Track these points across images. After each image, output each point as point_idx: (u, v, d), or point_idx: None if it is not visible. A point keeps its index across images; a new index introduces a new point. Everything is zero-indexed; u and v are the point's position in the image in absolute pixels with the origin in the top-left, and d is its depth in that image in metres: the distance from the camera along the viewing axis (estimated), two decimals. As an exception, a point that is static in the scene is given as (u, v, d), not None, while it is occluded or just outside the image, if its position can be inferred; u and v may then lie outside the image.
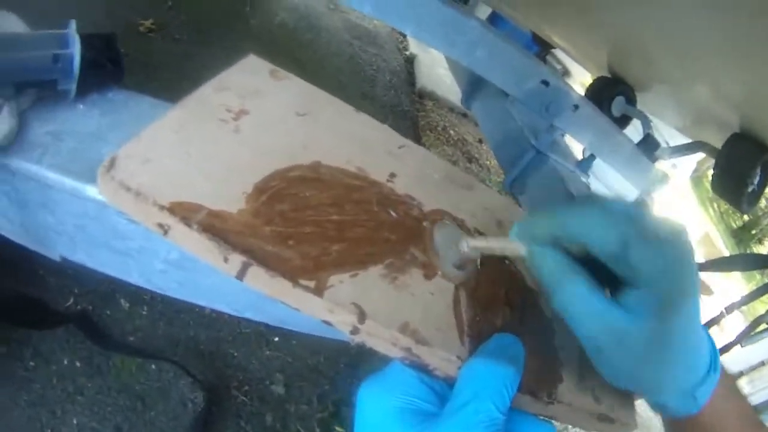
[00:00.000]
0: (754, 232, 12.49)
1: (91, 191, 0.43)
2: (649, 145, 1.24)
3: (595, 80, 1.53)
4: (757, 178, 1.20)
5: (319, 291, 0.30)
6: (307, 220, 0.33)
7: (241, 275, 0.30)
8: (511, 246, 0.35)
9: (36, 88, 0.48)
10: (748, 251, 11.35)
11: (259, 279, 0.30)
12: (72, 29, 0.48)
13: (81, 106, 0.50)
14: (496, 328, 0.36)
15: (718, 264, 1.26)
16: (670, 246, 0.32)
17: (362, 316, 0.31)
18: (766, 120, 1.02)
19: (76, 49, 0.47)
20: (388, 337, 0.31)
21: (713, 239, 5.38)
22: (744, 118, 1.07)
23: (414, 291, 0.34)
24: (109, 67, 0.52)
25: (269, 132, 0.38)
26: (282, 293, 0.30)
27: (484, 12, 1.97)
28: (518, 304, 0.39)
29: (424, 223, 0.39)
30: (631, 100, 1.52)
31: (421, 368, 0.32)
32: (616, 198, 0.34)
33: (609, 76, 1.49)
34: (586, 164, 1.18)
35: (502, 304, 0.38)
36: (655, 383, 0.35)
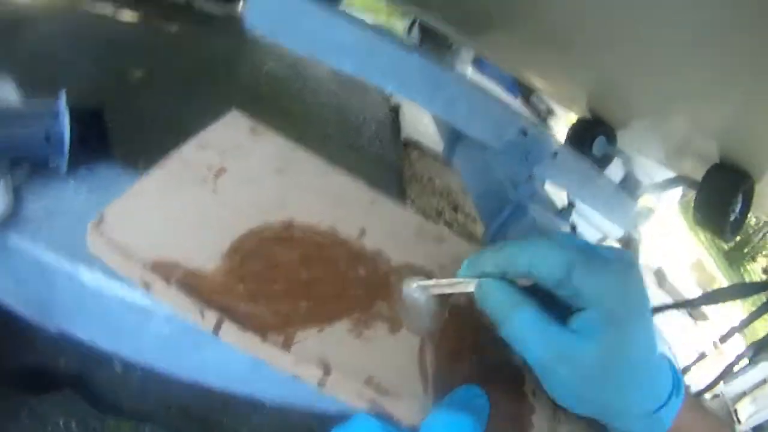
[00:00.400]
0: (746, 250, 12.54)
1: (86, 274, 0.44)
2: (630, 184, 1.27)
3: (575, 122, 1.58)
4: (739, 206, 1.23)
5: (286, 346, 0.32)
6: (277, 278, 0.35)
7: (216, 330, 0.32)
8: (461, 284, 0.36)
9: (29, 163, 0.50)
10: (742, 270, 11.38)
11: (232, 334, 0.32)
12: (62, 104, 0.50)
13: (72, 182, 0.52)
14: (462, 379, 0.36)
15: (712, 297, 1.27)
16: (612, 266, 0.34)
17: (327, 369, 0.32)
18: (745, 149, 1.06)
19: (66, 128, 0.49)
20: (353, 390, 0.32)
21: (705, 264, 5.42)
22: (723, 149, 1.10)
23: (379, 344, 0.35)
24: (98, 142, 0.54)
25: (246, 190, 0.40)
26: (253, 348, 0.32)
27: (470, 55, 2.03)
28: (486, 353, 0.39)
29: (392, 278, 0.40)
30: (611, 140, 1.57)
31: (386, 419, 0.33)
32: (562, 232, 0.35)
33: (590, 117, 1.54)
34: (566, 213, 1.21)
35: (470, 354, 0.38)
36: (615, 407, 0.35)
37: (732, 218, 1.23)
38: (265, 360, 0.32)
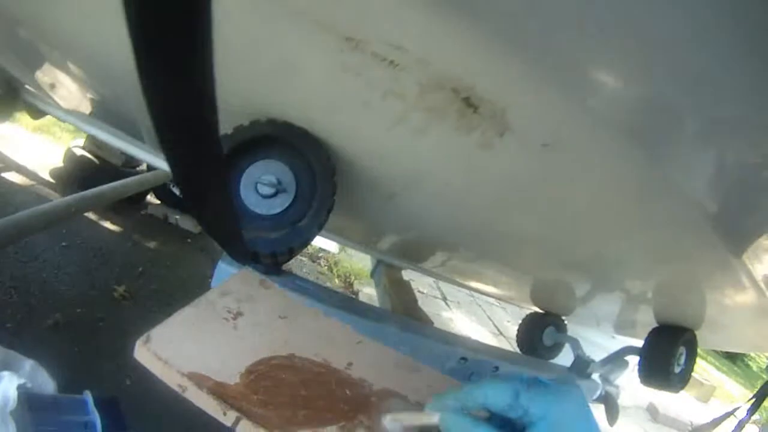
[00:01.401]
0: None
1: None
2: (580, 365, 1.36)
3: (525, 317, 1.73)
4: (684, 357, 1.30)
5: None
6: (282, 393, 0.44)
7: (234, 426, 0.40)
8: (427, 416, 0.43)
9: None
10: (747, 360, 11.05)
11: (246, 429, 0.40)
12: (90, 401, 0.64)
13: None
14: None
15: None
16: (552, 387, 0.40)
17: None
18: (677, 310, 1.17)
19: (97, 418, 0.63)
20: None
21: (702, 376, 5.35)
22: (658, 314, 1.21)
23: None
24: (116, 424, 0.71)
25: (259, 330, 0.51)
26: None
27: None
28: None
29: (372, 399, 0.48)
30: (560, 328, 1.70)
31: None
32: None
33: (539, 310, 1.68)
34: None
35: None
36: None
37: (677, 371, 1.28)
38: None
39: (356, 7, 0.38)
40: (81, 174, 2.33)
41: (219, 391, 0.42)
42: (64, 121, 1.80)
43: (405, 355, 0.57)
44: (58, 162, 2.47)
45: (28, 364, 0.73)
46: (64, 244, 1.98)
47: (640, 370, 1.23)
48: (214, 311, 0.51)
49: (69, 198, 1.45)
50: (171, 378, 0.42)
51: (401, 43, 0.39)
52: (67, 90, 1.21)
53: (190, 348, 0.45)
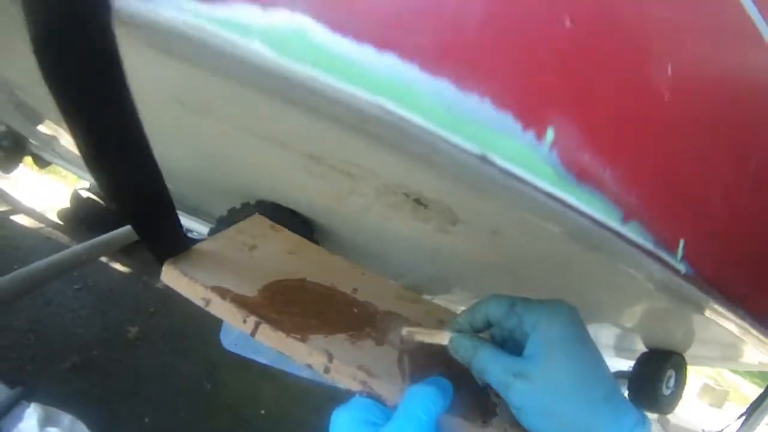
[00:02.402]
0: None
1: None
2: None
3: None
4: (673, 380, 1.34)
5: (303, 340, 0.44)
6: (296, 307, 0.49)
7: (254, 332, 0.44)
8: (440, 335, 0.47)
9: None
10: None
11: (265, 334, 0.44)
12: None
13: None
14: (431, 375, 0.44)
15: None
16: (546, 301, 0.43)
17: (330, 358, 0.44)
18: (662, 336, 1.20)
19: None
20: (350, 374, 0.43)
21: (714, 382, 5.26)
22: (645, 340, 1.26)
23: (368, 350, 0.47)
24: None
25: (271, 259, 0.55)
26: (279, 342, 0.44)
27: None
28: (453, 367, 0.47)
29: (378, 317, 0.53)
30: None
31: (375, 398, 0.43)
32: None
33: None
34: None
35: (440, 366, 0.48)
36: (573, 420, 0.39)
37: (667, 393, 1.32)
38: (285, 352, 0.44)
39: (307, 136, 0.44)
40: (88, 216, 2.39)
41: (240, 302, 0.45)
42: (68, 171, 1.87)
43: (405, 288, 0.60)
44: (65, 203, 2.52)
45: (67, 418, 0.78)
46: (76, 287, 2.04)
47: (629, 394, 1.27)
48: (232, 244, 0.55)
49: (79, 247, 1.53)
50: (195, 292, 0.45)
51: (352, 161, 0.46)
52: (68, 143, 1.27)
53: (211, 269, 0.48)
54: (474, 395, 0.47)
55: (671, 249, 0.41)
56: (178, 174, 0.78)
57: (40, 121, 1.13)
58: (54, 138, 1.28)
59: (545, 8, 0.32)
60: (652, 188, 0.39)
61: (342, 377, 0.44)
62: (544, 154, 0.32)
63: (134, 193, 0.35)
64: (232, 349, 1.06)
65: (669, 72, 0.37)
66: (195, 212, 1.45)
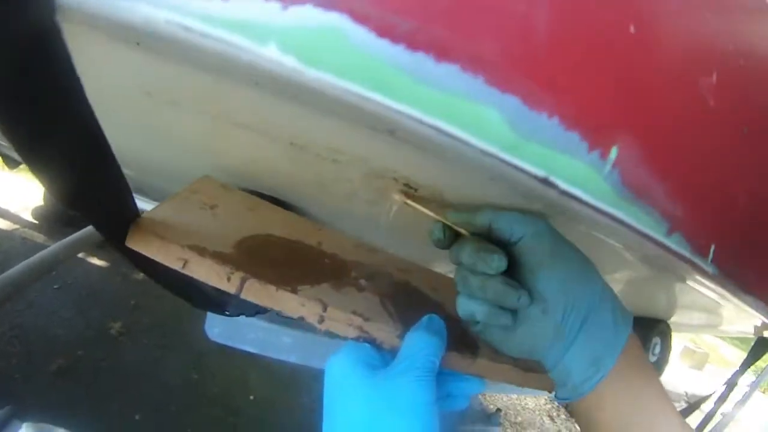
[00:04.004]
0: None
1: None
2: None
3: None
4: (658, 347, 1.37)
5: (294, 291, 0.43)
6: (274, 260, 0.47)
7: (239, 288, 0.42)
8: (435, 214, 0.47)
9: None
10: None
11: (253, 289, 0.42)
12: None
13: None
14: (416, 316, 0.45)
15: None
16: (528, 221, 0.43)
17: (324, 306, 0.43)
18: (647, 304, 1.21)
19: None
20: (345, 320, 0.43)
21: (695, 345, 5.42)
22: (630, 307, 1.28)
23: (353, 296, 0.47)
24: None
25: (234, 217, 0.52)
26: (268, 297, 0.42)
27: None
28: (434, 307, 0.51)
29: (348, 266, 0.53)
30: None
31: (371, 342, 0.43)
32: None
33: None
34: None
35: (420, 308, 0.48)
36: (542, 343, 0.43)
37: (653, 360, 1.35)
38: (275, 307, 0.42)
39: (289, 123, 0.42)
40: (63, 212, 2.33)
41: (220, 258, 0.42)
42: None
43: (361, 239, 0.60)
44: (39, 201, 2.48)
45: None
46: (56, 286, 2.01)
47: (616, 360, 1.30)
48: (190, 204, 0.51)
49: (56, 246, 1.49)
50: (170, 253, 0.42)
51: (339, 148, 0.44)
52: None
53: (180, 229, 0.45)
54: (457, 328, 0.47)
55: (704, 254, 0.42)
56: (150, 164, 0.75)
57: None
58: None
59: (614, 23, 0.31)
60: (694, 200, 0.40)
61: (338, 324, 0.43)
62: (605, 174, 0.32)
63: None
64: (217, 340, 1.04)
65: (714, 80, 0.38)
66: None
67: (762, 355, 1.41)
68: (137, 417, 1.61)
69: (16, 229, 2.32)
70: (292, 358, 0.99)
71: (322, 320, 0.43)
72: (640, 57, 0.33)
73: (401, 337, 0.43)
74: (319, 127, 0.38)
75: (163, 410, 1.69)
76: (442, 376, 0.42)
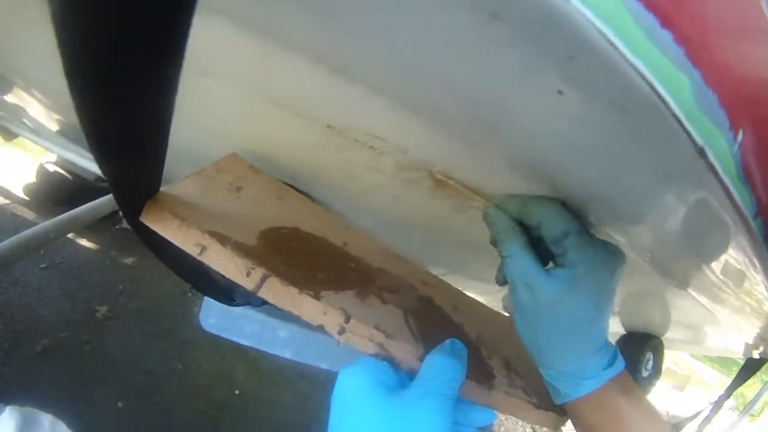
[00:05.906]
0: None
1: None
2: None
3: None
4: (651, 363, 1.37)
5: (317, 297, 0.39)
6: (299, 258, 0.44)
7: (258, 286, 0.38)
8: (479, 200, 0.45)
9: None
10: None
11: (273, 289, 0.39)
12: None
13: None
14: (437, 337, 0.44)
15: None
16: (599, 246, 0.41)
17: (348, 317, 0.40)
18: (641, 319, 1.24)
19: None
20: (367, 334, 0.40)
21: (676, 365, 5.47)
22: (625, 322, 1.28)
23: (376, 308, 0.44)
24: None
25: (260, 203, 0.49)
26: (289, 299, 0.39)
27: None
28: (455, 330, 0.49)
29: (373, 273, 0.50)
30: None
31: (389, 361, 0.40)
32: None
33: None
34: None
35: (440, 329, 0.48)
36: (546, 351, 0.42)
37: (645, 375, 1.35)
38: (294, 310, 0.39)
39: (332, 104, 0.41)
40: (55, 190, 2.30)
41: (242, 250, 0.39)
42: (36, 143, 1.78)
43: (386, 245, 0.57)
44: (31, 177, 2.42)
45: (47, 420, 0.73)
46: (43, 266, 1.97)
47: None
48: (216, 184, 0.48)
49: (46, 224, 1.45)
50: (188, 236, 0.38)
51: (381, 135, 0.43)
52: (37, 113, 1.21)
53: (202, 210, 0.41)
54: (476, 356, 0.46)
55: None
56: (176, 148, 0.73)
57: (9, 91, 1.05)
58: (22, 108, 1.20)
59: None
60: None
61: (357, 339, 0.40)
62: (734, 153, 0.34)
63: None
64: (212, 331, 1.01)
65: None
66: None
67: (751, 376, 1.42)
68: (120, 404, 1.57)
69: (6, 205, 2.27)
70: (287, 354, 0.97)
71: (342, 331, 0.40)
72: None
73: (422, 359, 0.41)
74: (368, 111, 0.37)
75: (147, 400, 1.66)
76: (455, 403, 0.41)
